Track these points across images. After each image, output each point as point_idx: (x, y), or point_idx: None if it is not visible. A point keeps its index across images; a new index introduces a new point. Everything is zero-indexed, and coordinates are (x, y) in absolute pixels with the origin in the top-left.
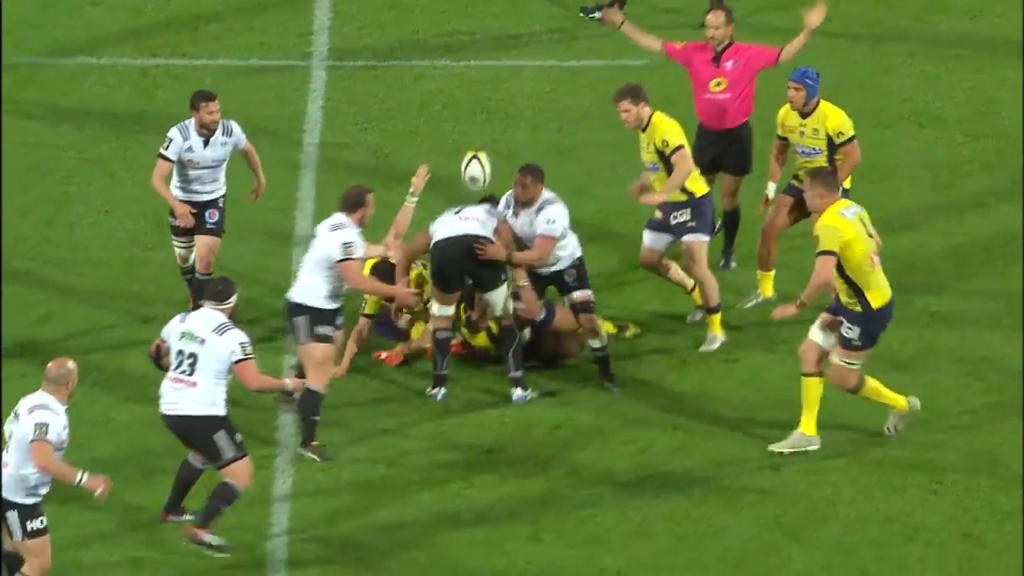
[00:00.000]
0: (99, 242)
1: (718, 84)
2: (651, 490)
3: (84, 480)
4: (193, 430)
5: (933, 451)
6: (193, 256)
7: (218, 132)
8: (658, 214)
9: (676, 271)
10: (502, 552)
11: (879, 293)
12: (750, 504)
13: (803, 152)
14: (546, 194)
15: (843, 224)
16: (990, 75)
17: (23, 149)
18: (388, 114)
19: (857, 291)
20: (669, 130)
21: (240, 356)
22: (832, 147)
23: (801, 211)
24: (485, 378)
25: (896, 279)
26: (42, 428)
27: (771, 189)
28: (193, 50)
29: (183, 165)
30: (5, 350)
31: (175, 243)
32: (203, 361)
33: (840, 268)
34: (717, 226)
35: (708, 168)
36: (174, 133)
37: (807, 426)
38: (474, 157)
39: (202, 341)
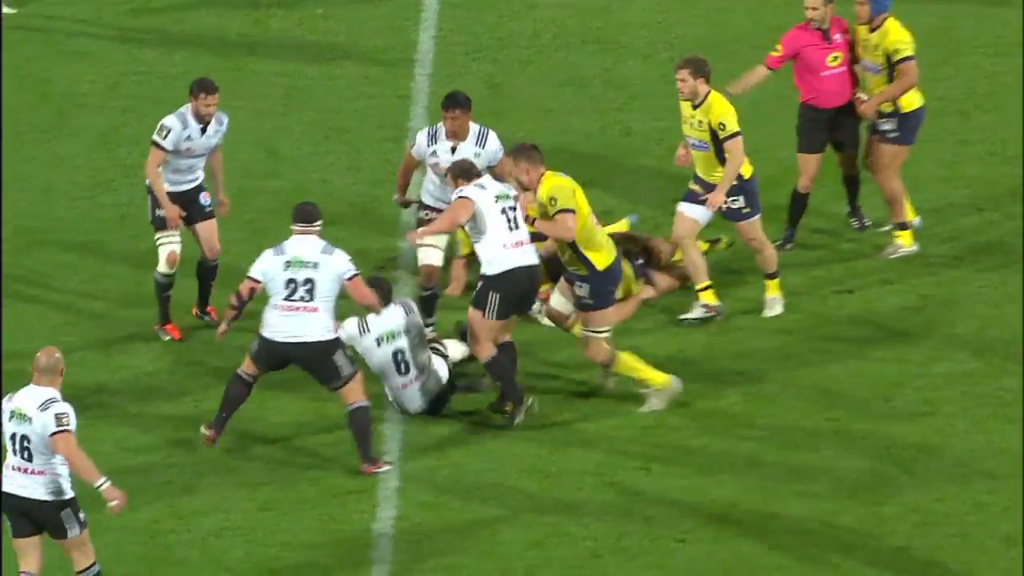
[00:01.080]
0: None
1: (835, 59)
2: (762, 421)
3: (105, 486)
4: (314, 355)
5: None
6: (179, 257)
7: (212, 121)
8: (695, 187)
9: (697, 258)
10: (611, 482)
11: (603, 254)
12: (862, 435)
13: (867, 67)
14: (474, 124)
15: (569, 183)
16: None
17: (135, 78)
18: (499, 43)
19: (580, 256)
20: (728, 114)
21: (353, 272)
22: (890, 65)
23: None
24: None
25: (1006, 208)
26: (64, 418)
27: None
28: None
29: (178, 154)
30: (118, 284)
31: (166, 240)
32: (320, 285)
33: None
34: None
35: (819, 147)
36: (172, 122)
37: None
38: None
39: (315, 265)
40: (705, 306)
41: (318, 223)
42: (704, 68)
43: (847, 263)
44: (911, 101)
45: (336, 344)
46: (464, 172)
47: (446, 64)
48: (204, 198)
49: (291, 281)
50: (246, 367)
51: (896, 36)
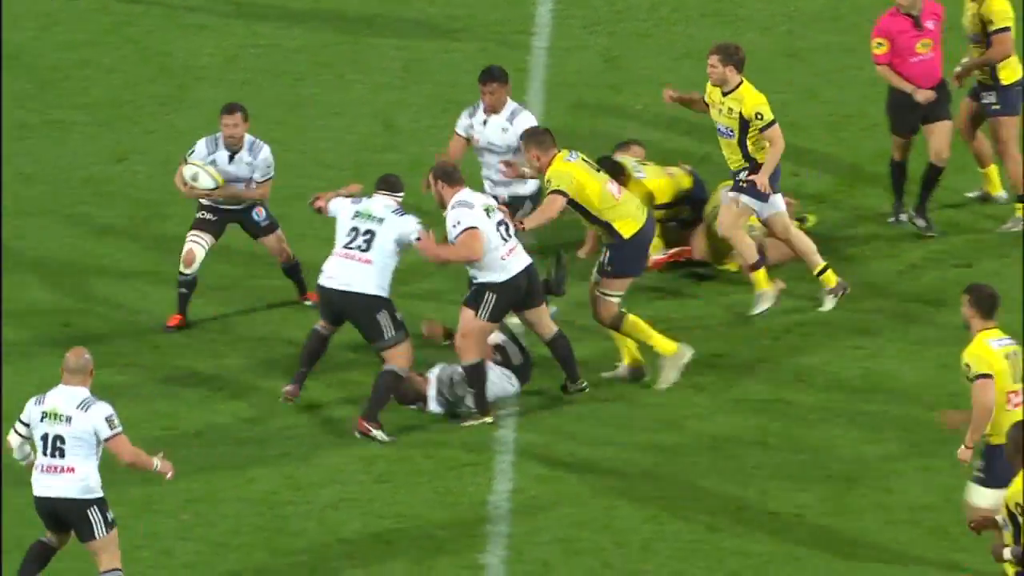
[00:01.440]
0: (329, 144)
1: (925, 45)
2: (880, 396)
3: (159, 464)
4: (358, 307)
5: None
6: (198, 259)
7: (244, 150)
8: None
9: (805, 243)
10: (729, 456)
11: (628, 223)
12: None
13: (967, 36)
14: (511, 102)
15: (570, 167)
16: None
17: (254, 51)
18: (617, 16)
19: (605, 226)
20: (762, 104)
21: (418, 235)
22: (987, 35)
23: (979, 109)
24: (712, 287)
25: None
26: (113, 420)
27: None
28: None
29: None
30: (235, 256)
31: (192, 238)
32: (380, 240)
33: (586, 213)
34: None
35: (910, 130)
36: (199, 144)
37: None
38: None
39: (380, 220)
40: (831, 291)
41: (401, 193)
42: (735, 56)
43: (966, 236)
44: (1011, 73)
45: (383, 304)
46: (446, 175)
47: (563, 37)
48: (257, 213)
49: (354, 230)
50: (322, 322)
51: (995, 6)
